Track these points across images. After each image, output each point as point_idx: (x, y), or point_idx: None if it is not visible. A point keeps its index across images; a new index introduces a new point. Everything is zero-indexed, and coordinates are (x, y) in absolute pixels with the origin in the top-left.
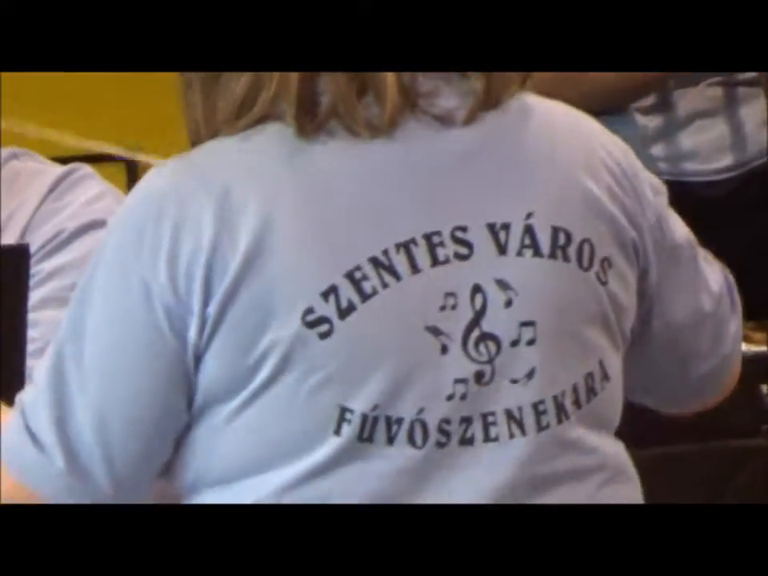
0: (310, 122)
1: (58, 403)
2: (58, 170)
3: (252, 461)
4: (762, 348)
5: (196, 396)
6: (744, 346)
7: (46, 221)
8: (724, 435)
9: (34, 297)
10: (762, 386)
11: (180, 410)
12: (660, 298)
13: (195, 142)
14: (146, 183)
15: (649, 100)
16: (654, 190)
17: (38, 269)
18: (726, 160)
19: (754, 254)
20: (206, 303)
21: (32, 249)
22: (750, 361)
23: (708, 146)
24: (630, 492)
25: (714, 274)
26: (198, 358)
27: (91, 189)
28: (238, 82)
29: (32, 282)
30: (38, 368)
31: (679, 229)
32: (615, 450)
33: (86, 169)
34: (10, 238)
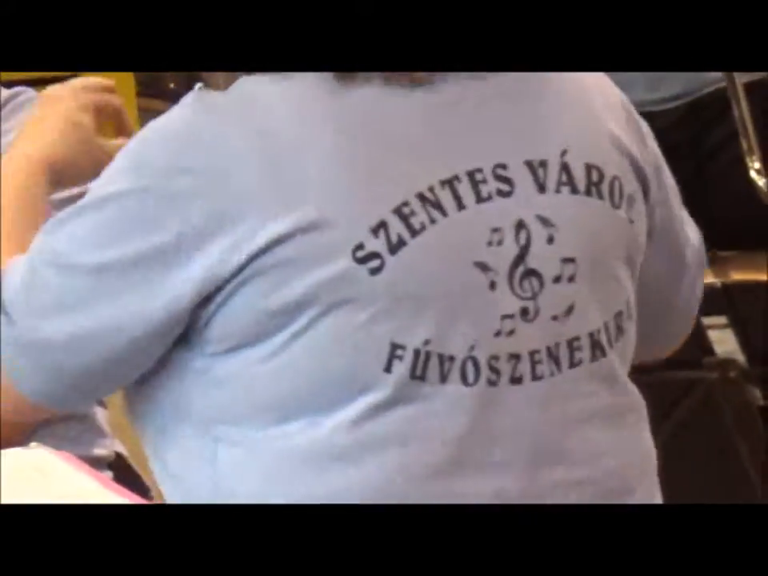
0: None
1: (30, 281)
2: (2, 93)
3: (298, 402)
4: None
5: (221, 332)
6: None
7: None
8: (666, 367)
9: None
10: (702, 318)
11: (152, 351)
12: (652, 243)
13: (207, 78)
14: (174, 123)
15: None
16: (652, 140)
17: None
18: (673, 89)
19: (696, 184)
20: (245, 239)
21: None
22: None
23: (652, 75)
24: (649, 433)
25: (693, 229)
26: (225, 294)
27: None
28: None
29: None
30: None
31: (671, 180)
32: (635, 388)
33: (31, 92)
34: None
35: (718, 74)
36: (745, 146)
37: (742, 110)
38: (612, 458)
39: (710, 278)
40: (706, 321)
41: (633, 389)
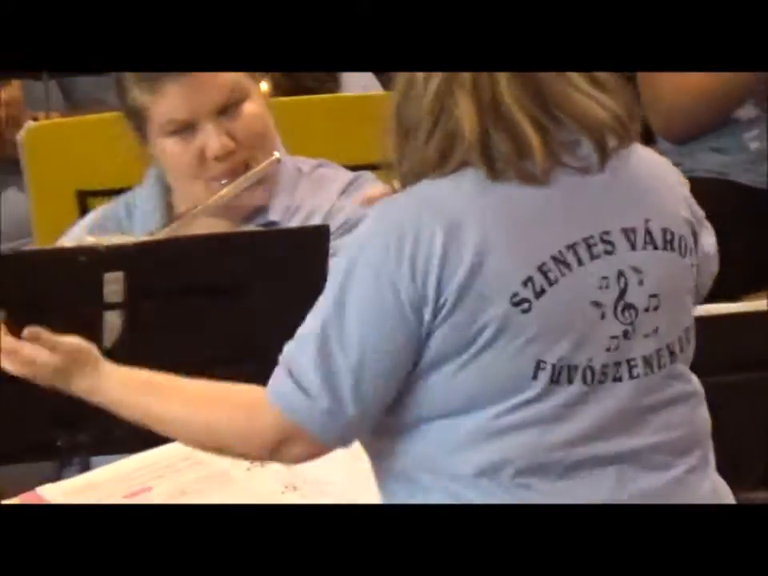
0: (493, 169)
1: (323, 364)
2: (350, 175)
3: (472, 400)
4: None
5: (427, 356)
6: None
7: (339, 212)
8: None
9: None
10: None
11: (409, 366)
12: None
13: (405, 182)
14: (386, 214)
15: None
16: (696, 207)
17: (332, 245)
18: None
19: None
20: (439, 296)
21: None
22: None
23: None
24: (706, 411)
25: (713, 245)
26: (430, 333)
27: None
28: (435, 146)
29: None
30: (300, 334)
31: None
32: (696, 378)
33: (369, 175)
34: (316, 222)
35: None
36: None
37: None
38: (682, 428)
39: None
40: None
41: (694, 378)
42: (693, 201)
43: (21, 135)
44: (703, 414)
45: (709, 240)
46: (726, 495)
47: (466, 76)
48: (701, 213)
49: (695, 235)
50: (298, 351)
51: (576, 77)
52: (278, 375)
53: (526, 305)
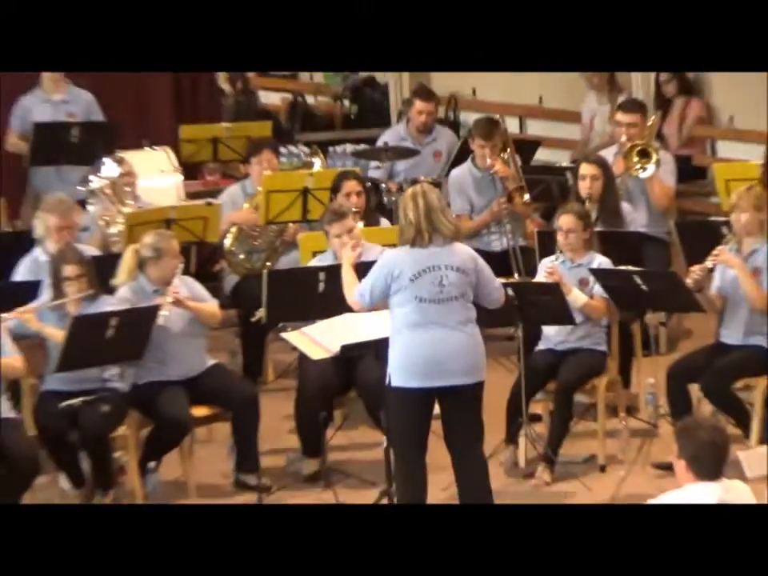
0: (413, 244)
1: (364, 289)
2: (380, 248)
3: (400, 303)
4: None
5: (392, 291)
6: None
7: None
8: None
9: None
10: None
11: (386, 294)
12: (479, 286)
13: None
14: (387, 254)
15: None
16: (480, 264)
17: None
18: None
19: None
20: (393, 280)
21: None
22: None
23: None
24: (474, 312)
25: (496, 282)
26: (390, 287)
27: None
28: (406, 233)
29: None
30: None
31: (488, 271)
32: (472, 305)
33: (389, 249)
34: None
35: None
36: None
37: None
38: (459, 315)
39: None
40: None
41: (470, 305)
42: (476, 261)
43: (297, 238)
44: (472, 313)
45: (488, 272)
46: (478, 338)
47: (413, 221)
48: (482, 263)
49: (470, 273)
50: (362, 284)
51: (442, 216)
52: (358, 288)
53: (412, 281)
